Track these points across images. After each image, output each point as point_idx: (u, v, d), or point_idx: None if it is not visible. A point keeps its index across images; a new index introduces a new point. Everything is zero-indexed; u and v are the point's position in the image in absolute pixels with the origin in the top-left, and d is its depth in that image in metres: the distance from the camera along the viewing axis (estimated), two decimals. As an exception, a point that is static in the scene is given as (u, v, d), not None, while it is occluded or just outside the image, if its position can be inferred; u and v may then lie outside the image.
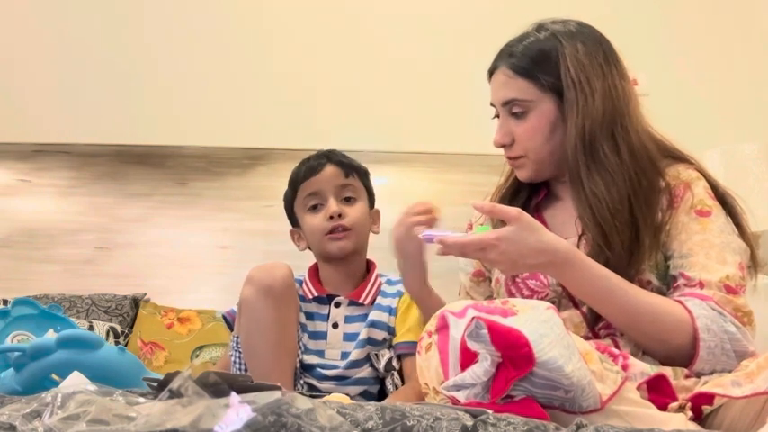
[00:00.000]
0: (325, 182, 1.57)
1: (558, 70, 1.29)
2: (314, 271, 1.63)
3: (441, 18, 2.85)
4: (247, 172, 2.78)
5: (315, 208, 1.58)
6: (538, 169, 1.34)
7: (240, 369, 1.46)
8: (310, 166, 1.59)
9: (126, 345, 2.25)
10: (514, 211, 1.13)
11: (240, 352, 1.45)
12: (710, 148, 2.37)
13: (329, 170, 1.58)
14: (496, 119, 1.38)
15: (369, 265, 1.65)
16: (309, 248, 1.65)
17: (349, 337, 1.53)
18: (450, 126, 2.70)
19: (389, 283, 1.61)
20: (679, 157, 1.34)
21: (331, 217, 1.55)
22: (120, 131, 2.77)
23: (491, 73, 1.37)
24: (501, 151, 1.43)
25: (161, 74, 2.83)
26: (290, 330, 1.45)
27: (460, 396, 0.90)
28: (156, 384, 0.86)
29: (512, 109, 1.32)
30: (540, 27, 1.35)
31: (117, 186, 2.75)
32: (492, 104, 1.38)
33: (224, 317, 1.62)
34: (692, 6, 2.88)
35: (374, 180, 1.70)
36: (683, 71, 2.78)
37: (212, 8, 2.88)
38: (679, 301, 1.18)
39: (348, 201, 1.59)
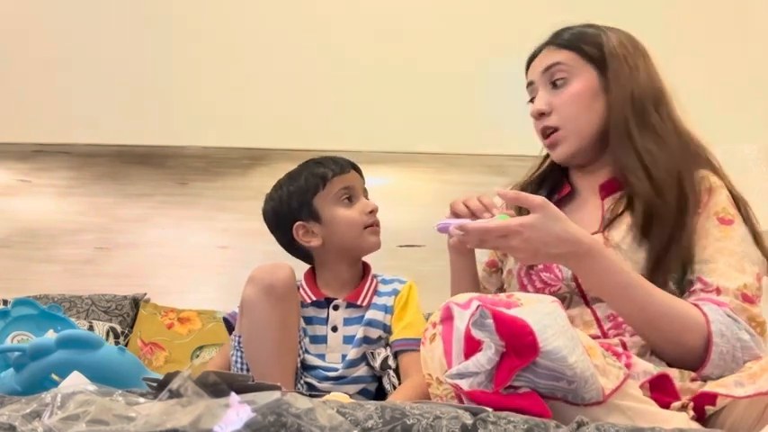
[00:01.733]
0: (355, 181, 1.61)
1: (601, 45, 1.34)
2: (310, 276, 1.62)
3: (441, 18, 2.85)
4: (247, 172, 2.78)
5: (350, 200, 1.59)
6: (578, 143, 1.34)
7: (242, 369, 1.46)
8: (340, 166, 1.60)
9: (126, 345, 2.25)
10: (539, 199, 1.11)
11: (242, 351, 1.46)
12: (710, 149, 2.37)
13: (355, 174, 1.62)
14: (530, 104, 1.39)
15: (364, 268, 1.65)
16: (312, 249, 1.61)
17: (348, 339, 1.53)
18: (450, 126, 2.69)
19: (384, 282, 1.61)
20: (701, 159, 1.35)
21: (371, 211, 1.58)
22: (120, 131, 2.78)
23: (532, 58, 1.41)
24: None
25: (161, 74, 2.83)
26: (292, 330, 1.45)
27: (464, 384, 0.89)
28: (155, 384, 0.86)
29: (553, 76, 1.34)
30: (585, 25, 1.40)
31: (117, 186, 2.75)
32: (530, 84, 1.40)
33: (225, 319, 1.61)
34: (692, 6, 2.88)
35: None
36: (683, 71, 2.78)
37: (212, 8, 2.88)
38: (695, 305, 1.17)
39: None
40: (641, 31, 2.80)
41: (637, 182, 1.25)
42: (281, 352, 1.41)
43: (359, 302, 1.56)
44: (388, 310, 1.56)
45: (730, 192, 1.30)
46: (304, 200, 1.57)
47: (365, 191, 1.63)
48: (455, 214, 1.28)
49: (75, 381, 1.04)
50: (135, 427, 0.68)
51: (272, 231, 1.64)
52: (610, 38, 1.34)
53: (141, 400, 0.76)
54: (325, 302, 1.57)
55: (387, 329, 1.54)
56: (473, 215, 1.25)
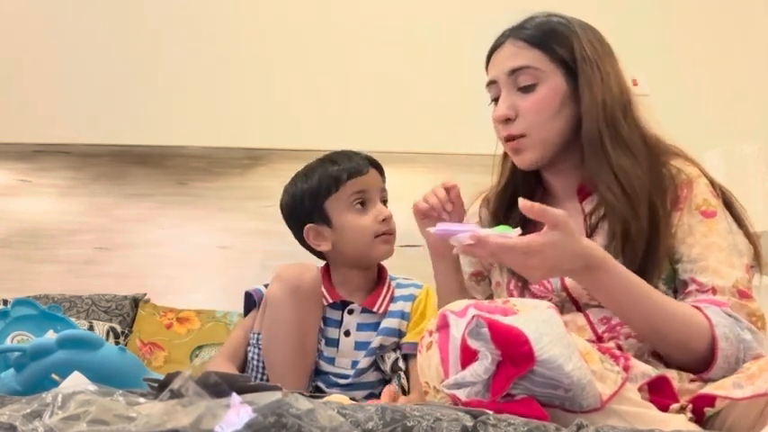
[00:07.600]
0: (371, 183, 1.54)
1: (572, 47, 1.27)
2: (326, 274, 1.57)
3: (440, 18, 2.85)
4: (247, 172, 2.77)
5: (363, 206, 1.52)
6: (542, 151, 1.28)
7: (258, 367, 1.44)
8: (356, 166, 1.53)
9: (126, 345, 2.25)
10: (562, 216, 1.06)
11: (259, 348, 1.43)
12: (710, 149, 2.37)
13: (373, 173, 1.55)
14: (493, 104, 1.33)
15: (380, 270, 1.60)
16: (324, 251, 1.57)
17: (360, 345, 1.50)
18: (451, 126, 2.70)
19: (399, 286, 1.58)
20: (675, 153, 1.32)
21: (384, 220, 1.51)
22: (120, 131, 2.77)
23: (494, 50, 1.33)
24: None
25: (161, 74, 2.83)
26: (312, 333, 1.42)
27: (461, 394, 0.90)
28: (156, 385, 0.86)
29: (518, 80, 1.27)
30: (549, 14, 1.34)
31: (117, 186, 2.75)
32: (491, 82, 1.32)
33: (247, 293, 1.57)
34: (693, 6, 2.88)
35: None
36: (683, 71, 2.78)
37: (212, 8, 2.88)
38: (697, 307, 1.16)
39: (385, 205, 1.57)
40: (641, 30, 2.80)
41: (614, 200, 1.22)
42: (299, 353, 1.39)
43: (375, 309, 1.52)
44: (404, 316, 1.53)
45: (710, 180, 1.28)
46: (316, 202, 1.53)
47: (383, 191, 1.57)
48: (423, 213, 1.33)
49: (76, 381, 1.04)
50: (136, 427, 0.68)
51: (287, 225, 1.60)
52: (581, 38, 1.27)
53: (142, 400, 0.76)
54: (341, 305, 1.54)
55: (402, 335, 1.52)
56: (432, 209, 1.32)
